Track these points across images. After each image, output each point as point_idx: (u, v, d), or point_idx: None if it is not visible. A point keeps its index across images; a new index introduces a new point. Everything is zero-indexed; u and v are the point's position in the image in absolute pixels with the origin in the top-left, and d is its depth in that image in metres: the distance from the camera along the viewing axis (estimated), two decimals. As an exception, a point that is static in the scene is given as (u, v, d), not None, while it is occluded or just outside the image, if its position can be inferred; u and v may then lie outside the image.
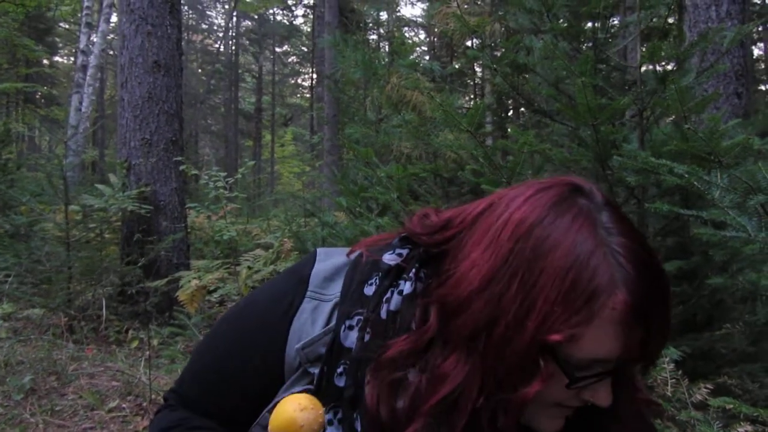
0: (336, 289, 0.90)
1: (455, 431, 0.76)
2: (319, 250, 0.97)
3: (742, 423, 1.77)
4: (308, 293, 0.91)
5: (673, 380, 1.93)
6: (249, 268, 5.39)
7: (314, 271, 0.92)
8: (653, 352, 0.77)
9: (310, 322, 0.88)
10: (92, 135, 22.09)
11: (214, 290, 5.17)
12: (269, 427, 0.80)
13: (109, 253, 6.37)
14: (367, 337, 0.84)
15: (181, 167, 6.32)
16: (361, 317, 0.85)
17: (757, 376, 2.37)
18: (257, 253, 5.83)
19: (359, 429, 0.82)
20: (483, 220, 0.81)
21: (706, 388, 1.95)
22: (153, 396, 3.83)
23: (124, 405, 3.81)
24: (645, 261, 0.74)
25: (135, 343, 5.30)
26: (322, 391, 0.85)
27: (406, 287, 0.85)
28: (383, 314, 0.85)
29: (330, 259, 0.94)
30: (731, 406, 1.71)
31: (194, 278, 5.28)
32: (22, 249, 5.81)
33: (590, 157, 2.66)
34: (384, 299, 0.85)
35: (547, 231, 0.75)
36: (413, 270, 0.86)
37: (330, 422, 0.84)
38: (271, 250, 5.85)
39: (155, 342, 4.97)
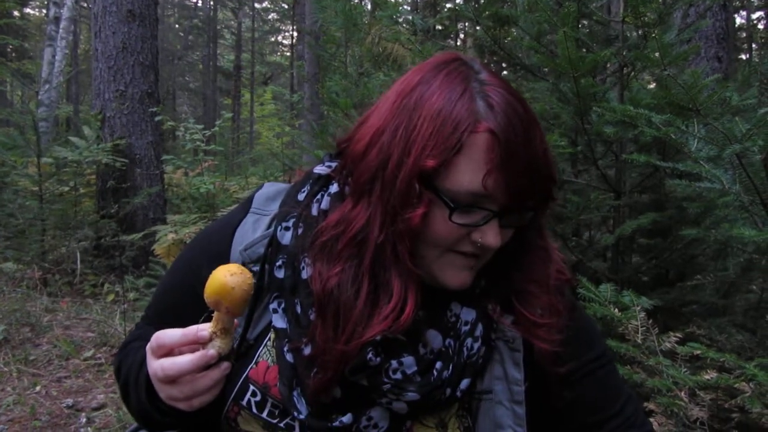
0: (276, 206, 1.03)
1: (365, 263, 0.87)
2: (267, 183, 1.10)
3: (708, 371, 1.81)
4: (251, 210, 1.04)
5: (644, 328, 1.96)
6: (226, 223, 5.36)
7: (258, 194, 1.07)
8: (526, 194, 0.85)
9: (251, 230, 1.01)
10: (66, 90, 21.59)
11: (191, 244, 5.13)
12: (205, 295, 0.85)
13: (84, 207, 6.28)
14: (300, 231, 0.94)
15: (157, 118, 6.20)
16: (295, 218, 0.96)
17: (725, 328, 2.42)
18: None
19: (299, 311, 0.91)
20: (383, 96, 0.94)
21: (675, 336, 1.99)
22: (128, 347, 3.82)
23: (99, 354, 3.81)
24: (510, 102, 0.84)
25: (111, 297, 5.28)
26: (265, 285, 0.95)
27: (334, 188, 0.97)
28: (314, 212, 0.96)
29: (275, 186, 1.08)
30: (699, 351, 1.74)
31: (171, 232, 5.24)
32: (-6, 201, 5.71)
33: (570, 111, 2.65)
34: (315, 200, 0.97)
35: (427, 86, 0.87)
36: (341, 175, 0.96)
37: (275, 311, 0.93)
38: (248, 206, 5.80)
39: (131, 296, 4.95)
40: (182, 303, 1.04)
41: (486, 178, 0.82)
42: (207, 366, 0.86)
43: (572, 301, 1.04)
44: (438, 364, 0.91)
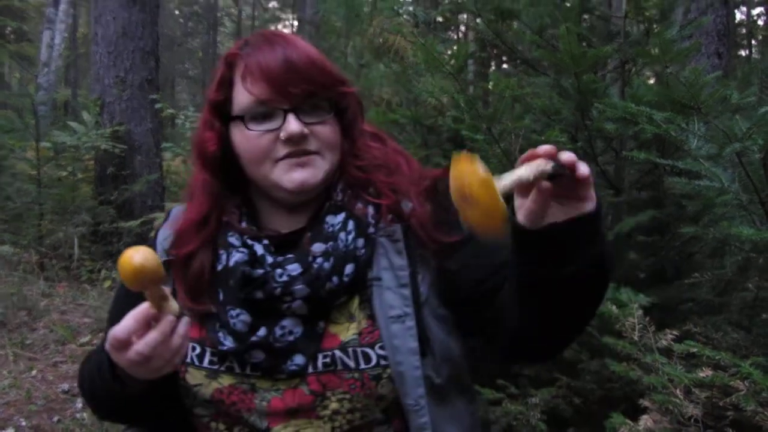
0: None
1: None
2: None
3: (703, 368, 1.81)
4: (165, 225, 1.25)
5: (641, 326, 1.97)
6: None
7: (174, 210, 1.28)
8: (289, 82, 1.04)
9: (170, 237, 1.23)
10: (65, 74, 21.48)
11: (189, 231, 5.13)
12: (128, 284, 0.91)
13: (82, 192, 6.27)
14: None
15: (157, 106, 6.18)
16: None
17: (721, 326, 2.43)
18: (233, 196, 5.77)
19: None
20: None
21: (672, 334, 1.99)
22: (125, 333, 3.82)
23: (95, 341, 3.81)
24: (261, 34, 1.14)
25: (107, 283, 5.28)
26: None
27: None
28: None
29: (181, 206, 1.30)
30: (695, 349, 1.75)
31: (168, 219, 5.22)
32: (-8, 185, 5.69)
33: (571, 107, 2.65)
34: None
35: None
36: None
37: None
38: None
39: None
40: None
41: (245, 84, 1.06)
42: (173, 330, 0.94)
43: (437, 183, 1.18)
44: (318, 260, 1.05)
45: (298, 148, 1.06)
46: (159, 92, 6.40)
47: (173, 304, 0.96)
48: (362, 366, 1.04)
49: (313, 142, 1.08)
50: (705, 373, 1.75)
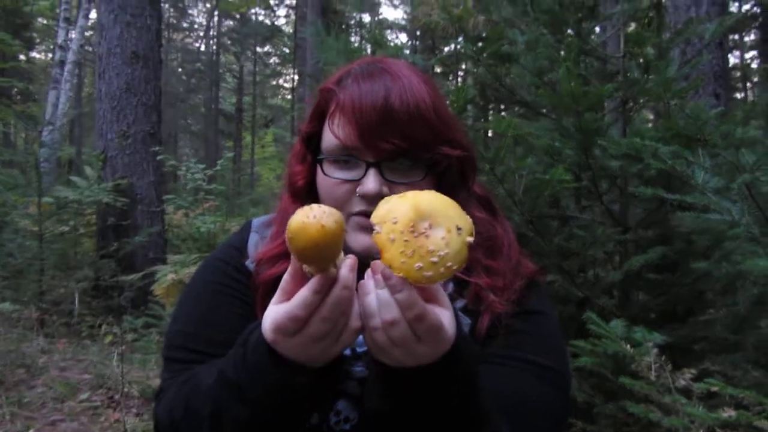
0: (270, 230, 1.14)
1: None
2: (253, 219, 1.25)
3: (725, 408, 1.74)
4: (252, 231, 1.16)
5: (657, 365, 1.91)
6: (227, 262, 5.30)
7: (255, 221, 1.20)
8: (378, 134, 0.94)
9: (261, 244, 1.12)
10: (69, 133, 21.77)
11: (191, 284, 5.08)
12: (296, 252, 0.75)
13: (84, 248, 6.25)
14: None
15: (159, 157, 6.22)
16: None
17: (740, 364, 2.36)
18: (235, 247, 5.74)
19: None
20: None
21: (690, 373, 1.93)
22: (126, 389, 3.73)
23: (95, 397, 3.72)
24: (366, 74, 0.99)
25: (109, 338, 5.20)
26: None
27: None
28: None
29: (263, 217, 1.21)
30: (716, 388, 1.68)
31: (171, 272, 5.19)
32: (-7, 241, 5.67)
33: (573, 146, 2.64)
34: None
35: None
36: None
37: None
38: (249, 245, 5.77)
39: (129, 337, 4.87)
40: (216, 317, 1.06)
41: (332, 124, 0.97)
42: (330, 286, 0.76)
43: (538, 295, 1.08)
44: None
45: (375, 208, 0.90)
46: (161, 146, 6.45)
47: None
48: None
49: None
50: (728, 412, 1.68)
